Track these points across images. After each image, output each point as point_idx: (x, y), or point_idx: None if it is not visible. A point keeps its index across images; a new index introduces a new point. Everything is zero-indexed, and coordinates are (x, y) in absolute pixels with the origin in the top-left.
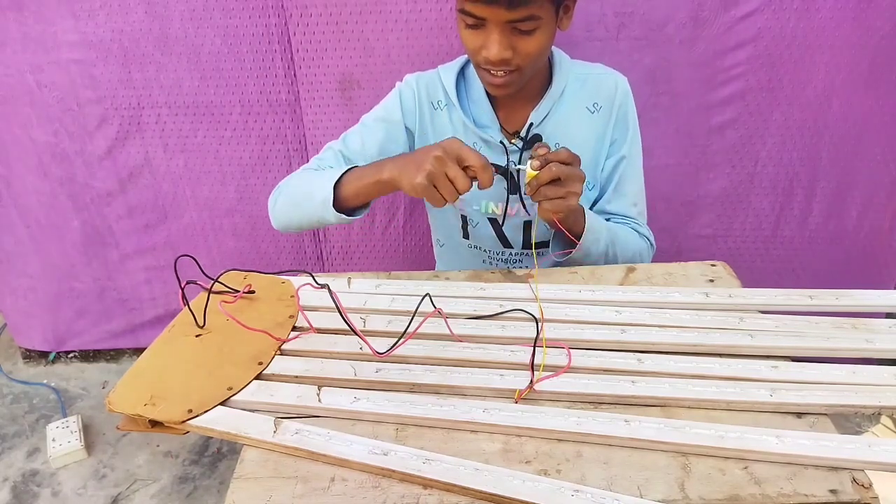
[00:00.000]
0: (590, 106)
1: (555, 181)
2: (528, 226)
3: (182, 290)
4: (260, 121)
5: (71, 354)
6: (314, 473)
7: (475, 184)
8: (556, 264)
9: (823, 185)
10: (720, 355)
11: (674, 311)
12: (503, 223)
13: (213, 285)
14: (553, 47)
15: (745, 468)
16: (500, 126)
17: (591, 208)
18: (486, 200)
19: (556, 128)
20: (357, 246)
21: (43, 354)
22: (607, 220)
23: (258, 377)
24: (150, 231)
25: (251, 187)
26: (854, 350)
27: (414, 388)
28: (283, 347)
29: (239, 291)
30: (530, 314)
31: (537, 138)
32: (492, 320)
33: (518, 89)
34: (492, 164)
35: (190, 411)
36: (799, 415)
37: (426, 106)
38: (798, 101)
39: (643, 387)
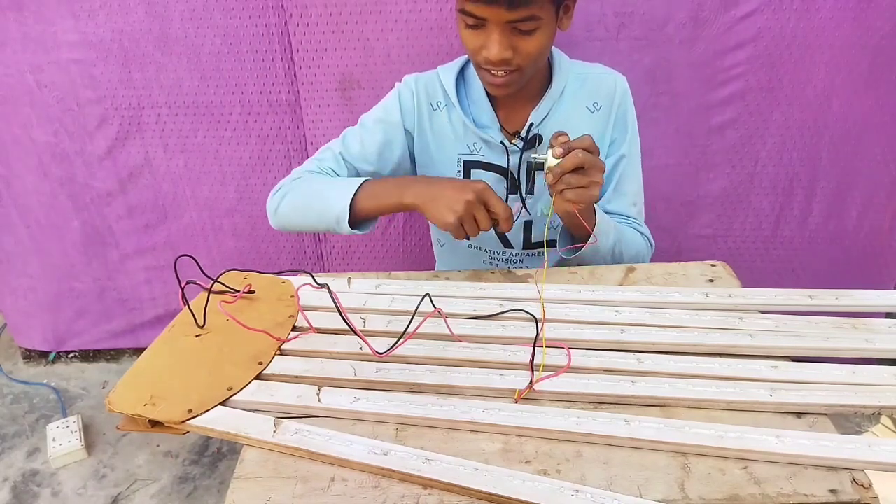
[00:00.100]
0: (589, 105)
1: (578, 170)
2: (528, 226)
3: (182, 290)
4: (260, 121)
5: (71, 354)
6: (314, 473)
7: None
8: (560, 263)
9: (823, 185)
10: (720, 355)
11: (674, 311)
12: None
13: (212, 285)
14: (553, 47)
15: (745, 468)
16: (500, 126)
17: None
18: None
19: (556, 127)
20: (357, 246)
21: (43, 354)
22: None
23: (258, 377)
24: (150, 231)
25: (251, 187)
26: (854, 350)
27: (414, 388)
28: (283, 347)
29: (239, 291)
30: (530, 314)
31: (537, 138)
32: (492, 320)
33: (518, 89)
34: (491, 164)
35: (190, 411)
36: (799, 415)
37: (425, 107)
38: (798, 101)
39: (643, 387)
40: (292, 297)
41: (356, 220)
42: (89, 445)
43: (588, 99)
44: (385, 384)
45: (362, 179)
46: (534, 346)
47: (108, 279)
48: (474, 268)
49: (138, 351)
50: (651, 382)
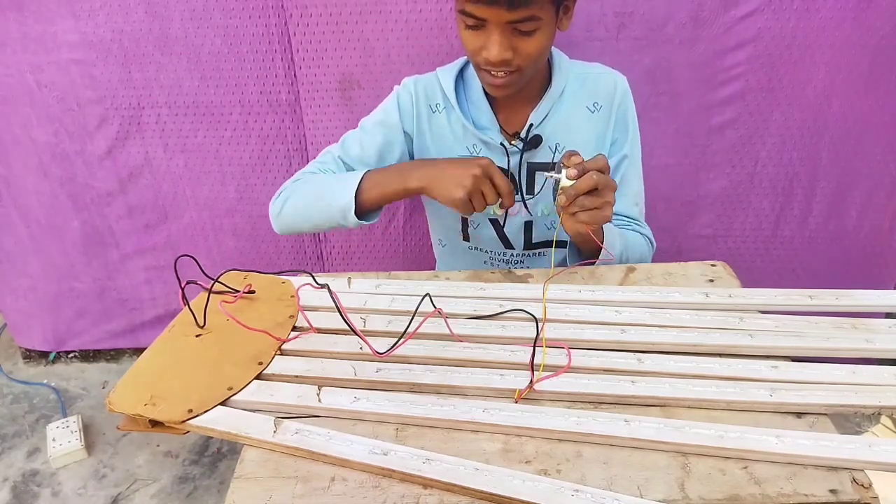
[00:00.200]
0: (590, 105)
1: (591, 191)
2: (528, 226)
3: (182, 290)
4: (260, 121)
5: (71, 354)
6: (314, 473)
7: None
8: (562, 263)
9: (823, 185)
10: (720, 355)
11: (674, 311)
12: (504, 224)
13: (213, 285)
14: (552, 47)
15: (745, 468)
16: (500, 127)
17: None
18: None
19: (557, 128)
20: (357, 246)
21: (43, 354)
22: None
23: (258, 377)
24: (150, 231)
25: (251, 187)
26: (854, 350)
27: (414, 388)
28: (283, 347)
29: (239, 291)
30: (530, 314)
31: (537, 139)
32: (492, 320)
33: (518, 90)
34: None
35: (190, 411)
36: (799, 415)
37: (424, 109)
38: (798, 101)
39: (643, 387)
40: (292, 297)
41: (361, 212)
42: (89, 445)
43: (588, 99)
44: (385, 384)
45: (363, 171)
46: (534, 346)
47: (108, 279)
48: (475, 268)
49: (138, 351)
50: (651, 382)
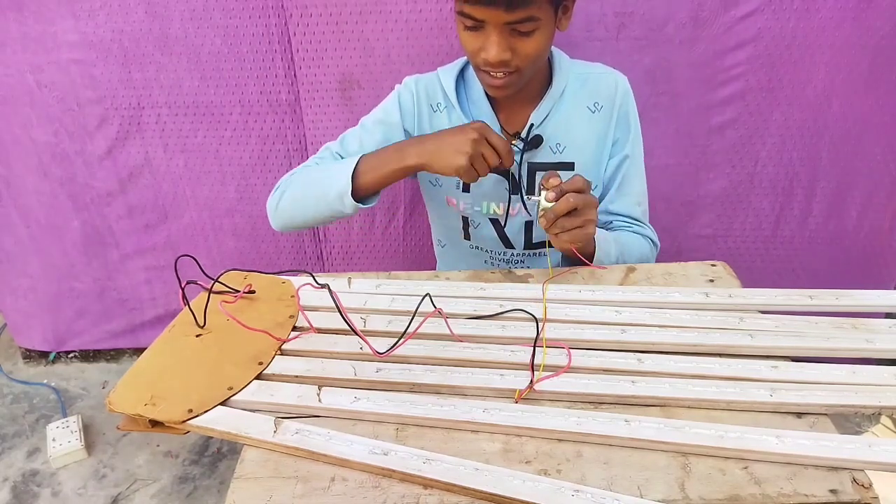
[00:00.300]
0: (590, 105)
1: (571, 212)
2: (529, 226)
3: (182, 290)
4: (260, 121)
5: (71, 354)
6: (314, 473)
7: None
8: (563, 263)
9: (823, 185)
10: (720, 355)
11: (674, 311)
12: (505, 224)
13: (213, 285)
14: (552, 47)
15: (745, 468)
16: (501, 127)
17: None
18: (487, 201)
19: (557, 128)
20: (357, 246)
21: (43, 354)
22: (610, 223)
23: (258, 377)
24: (150, 231)
25: (251, 187)
26: (854, 350)
27: (414, 388)
28: (283, 347)
29: (239, 291)
30: (530, 314)
31: (538, 139)
32: (492, 320)
33: (518, 90)
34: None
35: (190, 411)
36: (799, 415)
37: (425, 108)
38: (798, 101)
39: (643, 387)
40: (293, 297)
41: (359, 198)
42: (89, 445)
43: (589, 99)
44: (385, 384)
45: (358, 156)
46: (534, 346)
47: (108, 279)
48: (475, 268)
49: (138, 351)
50: (651, 382)
